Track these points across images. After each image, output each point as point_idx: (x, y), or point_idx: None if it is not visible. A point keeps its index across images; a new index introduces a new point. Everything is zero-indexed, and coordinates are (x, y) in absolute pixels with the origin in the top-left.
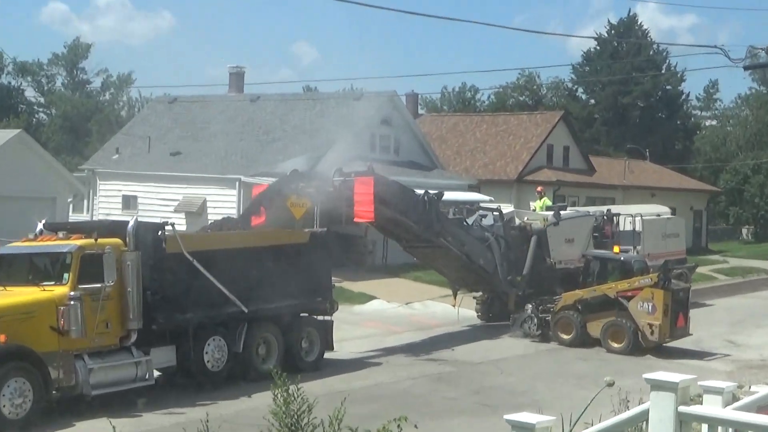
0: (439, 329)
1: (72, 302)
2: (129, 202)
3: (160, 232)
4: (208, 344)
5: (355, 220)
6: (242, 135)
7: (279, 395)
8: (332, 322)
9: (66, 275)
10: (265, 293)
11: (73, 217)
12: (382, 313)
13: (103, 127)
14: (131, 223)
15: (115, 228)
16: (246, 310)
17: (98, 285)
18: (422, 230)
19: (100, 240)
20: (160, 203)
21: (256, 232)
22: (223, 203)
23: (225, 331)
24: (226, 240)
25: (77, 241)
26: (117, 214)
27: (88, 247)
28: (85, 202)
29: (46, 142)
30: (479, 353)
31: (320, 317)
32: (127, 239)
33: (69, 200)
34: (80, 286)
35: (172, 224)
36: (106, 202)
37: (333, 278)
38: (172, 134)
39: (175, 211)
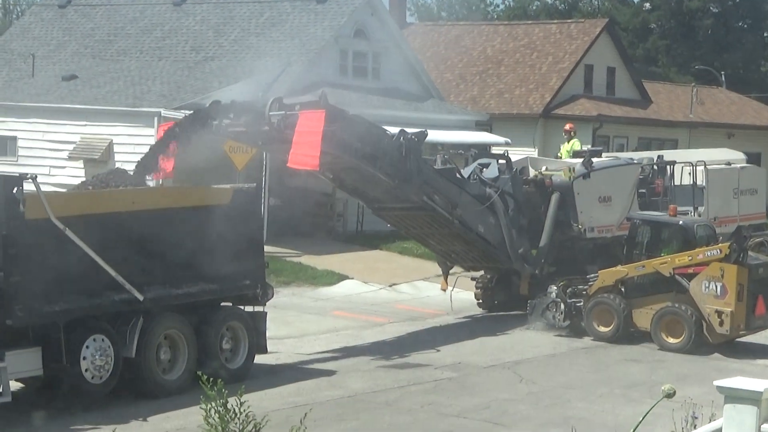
0: (435, 320)
1: None
2: (5, 145)
3: (15, 190)
4: (87, 346)
5: (290, 164)
6: (162, 52)
7: (212, 411)
8: (265, 313)
9: None
10: (170, 275)
11: None
12: (358, 298)
13: None
14: None
15: None
16: (142, 298)
17: None
18: (397, 185)
19: None
20: (49, 147)
21: (157, 190)
22: (135, 147)
23: (111, 329)
24: (113, 200)
25: None
26: None
27: None
28: None
29: None
30: (489, 353)
31: (248, 308)
32: None
33: None
34: None
35: (33, 178)
36: None
37: (290, 251)
38: (65, 51)
39: (70, 158)
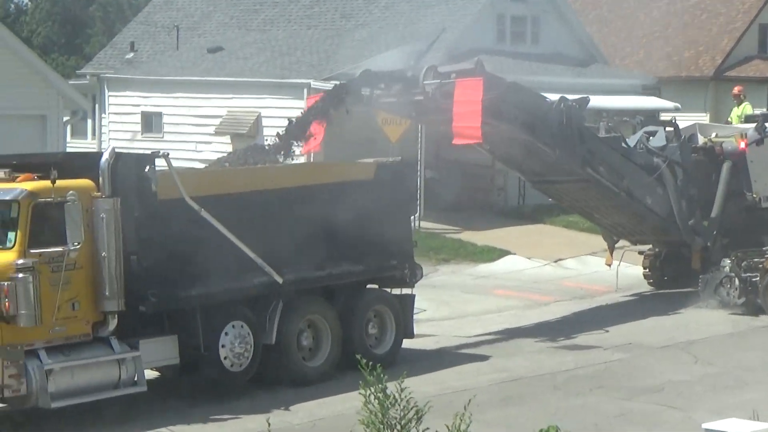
0: (602, 298)
1: (21, 275)
2: (150, 121)
3: (147, 168)
4: (226, 333)
5: (455, 141)
6: (311, 21)
7: (372, 396)
8: (413, 296)
9: (11, 235)
10: (312, 256)
11: (73, 145)
12: (520, 275)
13: (110, 14)
14: (105, 156)
15: (82, 163)
16: (281, 281)
17: (59, 249)
18: (558, 156)
19: (60, 182)
20: (195, 123)
21: (295, 167)
22: (284, 120)
23: (250, 314)
24: (250, 178)
25: (26, 184)
26: (132, 140)
27: (43, 192)
28: (89, 122)
29: (29, 37)
30: (661, 333)
31: (396, 290)
32: (101, 180)
33: (65, 119)
34: (32, 251)
35: (166, 155)
36: (119, 121)
37: (449, 227)
38: (210, 22)
39: (217, 133)
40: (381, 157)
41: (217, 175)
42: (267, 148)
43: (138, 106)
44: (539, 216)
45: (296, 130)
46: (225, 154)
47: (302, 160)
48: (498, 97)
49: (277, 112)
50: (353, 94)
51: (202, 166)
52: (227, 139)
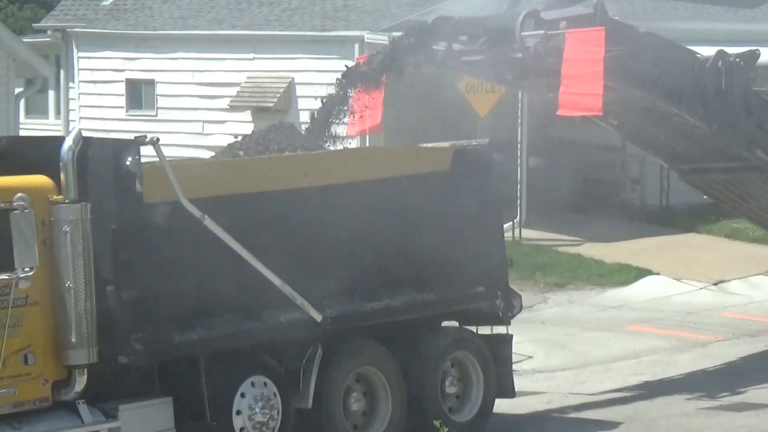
0: None
1: None
2: (138, 92)
3: (129, 161)
4: (242, 394)
5: (561, 111)
6: None
7: None
8: (510, 338)
9: None
10: (363, 282)
11: (28, 127)
12: (666, 303)
13: None
14: (69, 142)
15: (36, 153)
16: (320, 318)
17: (3, 277)
18: (715, 133)
19: (2, 180)
20: (202, 94)
21: (335, 155)
22: (328, 89)
23: (277, 366)
24: (274, 172)
25: None
26: (112, 119)
27: None
28: (51, 94)
29: None
30: None
31: (485, 329)
32: (63, 178)
33: (17, 91)
34: None
35: (156, 141)
36: (93, 93)
37: (563, 237)
38: None
39: (233, 107)
40: (462, 139)
41: (227, 169)
42: (300, 129)
43: (121, 71)
44: (690, 221)
45: (339, 102)
46: (240, 138)
47: (352, 145)
48: (627, 54)
49: (316, 78)
50: (423, 50)
51: (209, 155)
52: (247, 115)
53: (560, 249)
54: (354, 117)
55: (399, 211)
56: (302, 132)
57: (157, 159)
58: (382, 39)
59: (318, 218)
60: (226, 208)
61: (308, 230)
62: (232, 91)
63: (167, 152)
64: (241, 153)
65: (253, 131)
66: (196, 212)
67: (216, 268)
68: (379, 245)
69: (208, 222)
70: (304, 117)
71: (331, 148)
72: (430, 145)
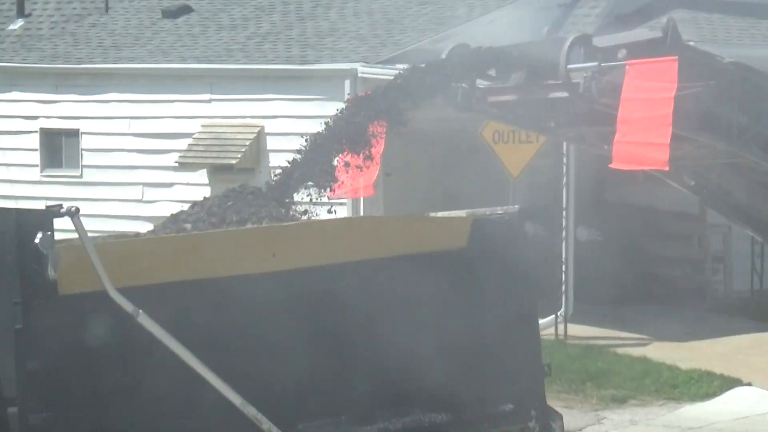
0: None
1: None
2: (59, 145)
3: (39, 238)
4: None
5: (615, 164)
6: None
7: None
8: None
9: None
10: (352, 399)
11: None
12: (761, 423)
13: None
14: None
15: None
16: None
17: None
18: None
19: None
20: (142, 147)
21: (316, 228)
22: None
23: None
24: (233, 251)
25: None
26: (22, 180)
27: None
28: None
29: None
30: None
31: None
32: None
33: None
34: None
35: (73, 213)
36: None
37: (622, 334)
38: None
39: (182, 165)
40: (485, 206)
41: (170, 248)
42: (268, 189)
43: (34, 118)
44: None
45: (324, 154)
46: (188, 207)
47: (342, 213)
48: (707, 92)
49: (293, 126)
50: (438, 89)
51: (147, 229)
52: (201, 176)
53: (619, 350)
54: (343, 173)
55: (399, 303)
56: (275, 193)
57: (78, 236)
58: (383, 73)
59: (291, 313)
60: (169, 301)
61: (278, 330)
62: (182, 143)
63: (94, 225)
64: (188, 226)
65: (206, 197)
66: (129, 306)
67: (155, 383)
68: (373, 349)
69: (144, 319)
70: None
71: (304, 217)
72: (440, 214)
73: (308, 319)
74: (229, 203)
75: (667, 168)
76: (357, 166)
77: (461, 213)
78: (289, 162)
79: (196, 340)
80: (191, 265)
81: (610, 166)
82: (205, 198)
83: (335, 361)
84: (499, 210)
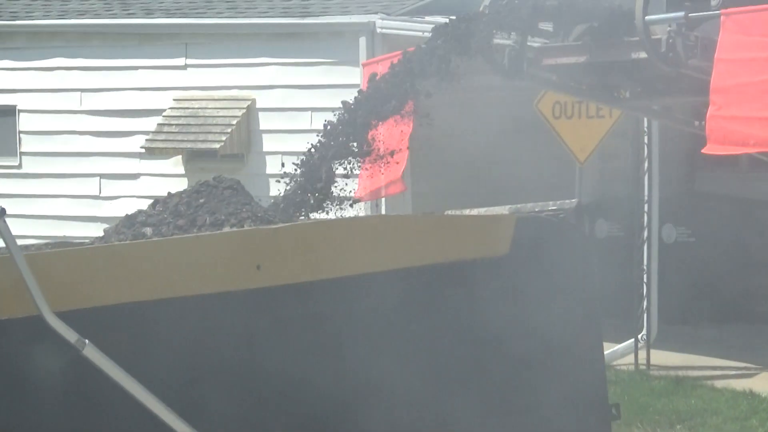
0: None
1: None
2: None
3: None
4: None
5: (710, 149)
6: None
7: None
8: None
9: None
10: None
11: None
12: None
13: None
14: None
15: None
16: None
17: None
18: None
19: None
20: (98, 128)
21: (311, 229)
22: (315, 115)
23: None
24: (203, 263)
25: None
26: None
27: None
28: None
29: None
30: None
31: None
32: None
33: None
34: None
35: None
36: None
37: (722, 363)
38: None
39: (151, 150)
40: (538, 201)
41: (125, 258)
42: (240, 187)
43: None
44: None
45: (346, 138)
46: (150, 206)
47: (355, 211)
48: None
49: (293, 98)
50: (477, 49)
51: (97, 234)
52: (175, 164)
53: (718, 383)
54: (366, 168)
55: (418, 326)
56: (247, 193)
57: (5, 244)
58: (409, 28)
59: (278, 340)
60: (123, 327)
61: (261, 359)
62: (150, 123)
63: (37, 230)
64: (148, 231)
65: (171, 194)
66: (72, 336)
67: (103, 424)
68: (388, 382)
69: (92, 352)
70: (273, 166)
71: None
72: (476, 211)
73: (299, 347)
74: (201, 201)
75: None
76: (379, 157)
77: (503, 210)
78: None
79: (157, 376)
80: (152, 282)
81: (702, 150)
82: (170, 194)
83: (330, 398)
84: (552, 205)
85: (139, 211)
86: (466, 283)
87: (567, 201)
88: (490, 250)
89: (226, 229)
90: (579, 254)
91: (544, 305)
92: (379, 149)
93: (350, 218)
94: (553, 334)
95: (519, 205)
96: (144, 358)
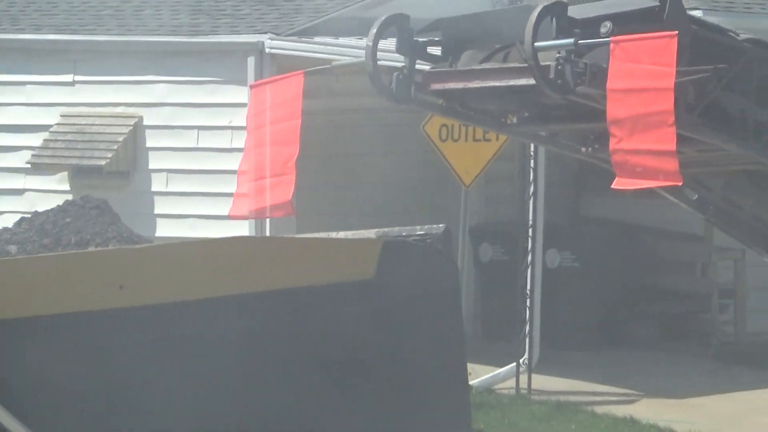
0: None
1: None
2: None
3: None
4: None
5: (622, 183)
6: None
7: None
8: None
9: None
10: None
11: None
12: None
13: None
14: None
15: None
16: None
17: None
18: None
19: None
20: None
21: (176, 250)
22: (201, 133)
23: None
24: (65, 282)
25: None
26: None
27: None
28: None
29: None
30: None
31: None
32: None
33: None
34: None
35: None
36: None
37: (602, 388)
38: None
39: (35, 167)
40: (423, 224)
41: None
42: (108, 206)
43: None
44: None
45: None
46: (15, 224)
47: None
48: (717, 78)
49: (181, 116)
50: (375, 78)
51: None
52: (61, 180)
53: (599, 409)
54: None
55: (282, 349)
56: (115, 215)
57: None
58: (298, 49)
59: (142, 362)
60: None
61: (126, 384)
62: (36, 139)
63: None
64: (13, 249)
65: (38, 212)
66: None
67: None
68: (252, 404)
69: None
70: (159, 183)
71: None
72: (342, 234)
73: (165, 370)
74: (68, 220)
75: (680, 182)
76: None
77: (370, 233)
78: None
79: (14, 400)
80: (13, 301)
81: (612, 186)
82: (36, 213)
83: (193, 419)
84: (420, 230)
85: (5, 229)
86: (330, 306)
87: (434, 226)
88: (356, 273)
89: (91, 249)
90: (445, 279)
91: (409, 330)
92: (262, 170)
93: (212, 240)
94: (417, 358)
95: (386, 229)
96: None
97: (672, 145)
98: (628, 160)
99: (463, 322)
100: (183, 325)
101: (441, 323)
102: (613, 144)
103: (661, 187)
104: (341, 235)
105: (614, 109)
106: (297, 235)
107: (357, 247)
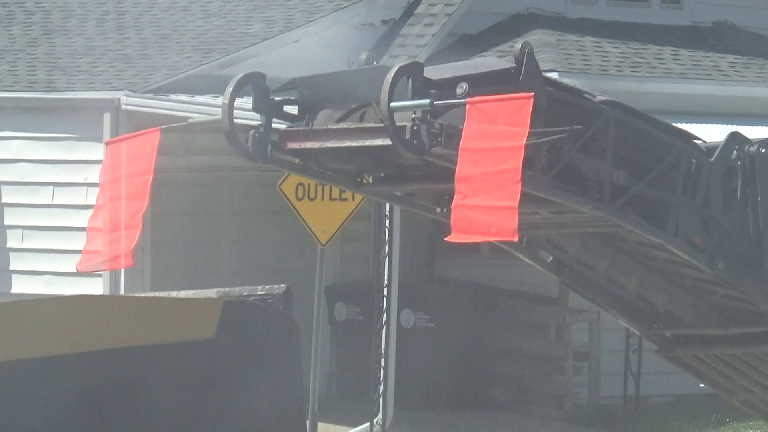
0: None
1: None
2: None
3: None
4: None
5: (454, 237)
6: None
7: None
8: None
9: None
10: None
11: None
12: None
13: None
14: None
15: None
16: None
17: None
18: (723, 278)
19: None
20: None
21: (18, 308)
22: (55, 190)
23: None
24: None
25: None
26: None
27: None
28: None
29: None
30: None
31: None
32: None
33: None
34: None
35: None
36: None
37: None
38: None
39: None
40: (278, 283)
41: None
42: None
43: None
44: (676, 425)
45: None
46: None
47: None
48: (572, 139)
49: (37, 173)
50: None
51: None
52: None
53: None
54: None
55: (116, 410)
56: None
57: None
58: (153, 106)
59: None
60: None
61: None
62: None
63: None
64: None
65: None
66: None
67: None
68: None
69: None
70: (14, 240)
71: None
72: (183, 294)
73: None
74: None
75: (515, 239)
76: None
77: (211, 293)
78: None
79: None
80: None
81: (446, 238)
82: None
83: None
84: (261, 290)
85: None
86: (169, 364)
87: (276, 286)
88: (196, 332)
89: None
90: (285, 339)
91: (249, 388)
92: (114, 223)
93: (52, 298)
94: (257, 417)
95: (227, 289)
96: None
97: (514, 202)
98: (468, 215)
99: (303, 381)
100: (18, 384)
101: (281, 382)
102: (456, 200)
103: (515, 249)
104: (182, 294)
105: (464, 167)
106: (138, 294)
107: (198, 306)
